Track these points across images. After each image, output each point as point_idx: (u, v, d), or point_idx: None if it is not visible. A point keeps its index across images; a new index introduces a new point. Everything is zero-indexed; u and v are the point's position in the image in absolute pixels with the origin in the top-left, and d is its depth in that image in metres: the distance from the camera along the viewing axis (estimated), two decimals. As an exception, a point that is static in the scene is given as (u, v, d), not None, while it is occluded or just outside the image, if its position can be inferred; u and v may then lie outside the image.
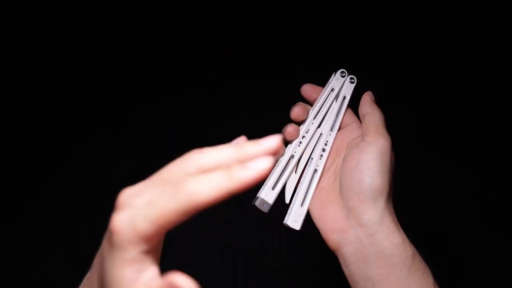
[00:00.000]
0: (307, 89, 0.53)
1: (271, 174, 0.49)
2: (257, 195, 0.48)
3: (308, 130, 0.50)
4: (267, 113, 0.96)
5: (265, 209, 0.48)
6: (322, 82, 0.54)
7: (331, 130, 0.51)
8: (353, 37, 1.08)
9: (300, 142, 0.50)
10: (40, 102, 1.07)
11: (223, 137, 0.72)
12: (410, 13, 1.11)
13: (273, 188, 0.48)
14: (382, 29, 1.10)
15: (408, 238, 0.45)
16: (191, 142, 0.54)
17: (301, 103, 0.52)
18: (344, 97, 0.52)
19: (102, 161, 1.01)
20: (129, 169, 0.98)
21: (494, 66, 1.07)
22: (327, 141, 0.50)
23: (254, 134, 0.41)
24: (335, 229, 0.45)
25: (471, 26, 1.09)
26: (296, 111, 0.50)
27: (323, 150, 0.50)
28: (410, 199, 0.98)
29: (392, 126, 0.50)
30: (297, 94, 0.53)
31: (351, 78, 0.53)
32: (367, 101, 0.50)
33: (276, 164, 0.49)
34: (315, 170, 0.49)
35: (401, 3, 1.10)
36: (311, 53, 1.06)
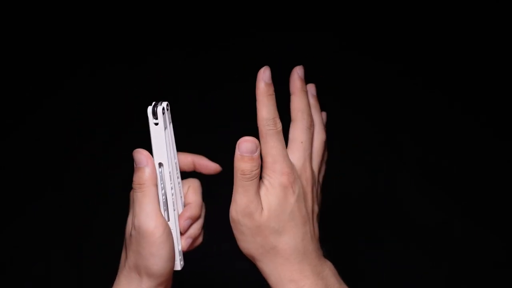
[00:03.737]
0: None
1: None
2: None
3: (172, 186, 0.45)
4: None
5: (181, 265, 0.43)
6: (311, 81, 0.46)
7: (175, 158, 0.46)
8: (352, 38, 1.08)
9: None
10: (38, 103, 1.07)
11: (222, 137, 0.71)
12: (405, 12, 1.11)
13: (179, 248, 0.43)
14: (380, 29, 1.10)
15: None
16: (190, 142, 0.54)
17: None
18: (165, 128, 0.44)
19: (101, 162, 1.01)
20: (128, 169, 0.98)
21: (493, 65, 1.07)
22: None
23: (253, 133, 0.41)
24: None
25: (467, 26, 1.09)
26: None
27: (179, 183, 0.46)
28: (409, 198, 0.97)
29: (389, 125, 0.49)
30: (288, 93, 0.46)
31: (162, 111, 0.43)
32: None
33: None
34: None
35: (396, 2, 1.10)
36: (305, 52, 1.06)
